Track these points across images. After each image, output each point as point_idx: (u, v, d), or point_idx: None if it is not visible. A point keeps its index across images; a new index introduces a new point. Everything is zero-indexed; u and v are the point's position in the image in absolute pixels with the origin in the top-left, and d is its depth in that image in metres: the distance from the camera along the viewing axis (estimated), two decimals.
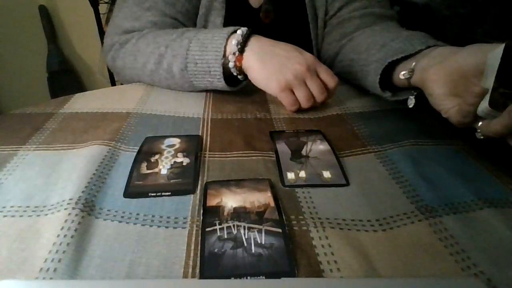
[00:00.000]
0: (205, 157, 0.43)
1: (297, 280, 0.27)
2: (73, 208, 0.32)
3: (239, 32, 0.52)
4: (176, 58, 0.53)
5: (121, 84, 0.67)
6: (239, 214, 0.33)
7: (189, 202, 0.35)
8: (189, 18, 0.64)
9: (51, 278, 0.26)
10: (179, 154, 0.42)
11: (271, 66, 0.50)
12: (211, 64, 0.51)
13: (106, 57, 0.64)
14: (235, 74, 0.53)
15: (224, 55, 0.51)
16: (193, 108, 0.55)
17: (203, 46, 0.52)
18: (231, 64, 0.52)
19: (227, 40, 0.52)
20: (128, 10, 0.60)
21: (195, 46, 0.52)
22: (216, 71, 0.52)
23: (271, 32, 0.56)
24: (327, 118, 0.53)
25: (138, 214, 0.33)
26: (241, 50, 0.51)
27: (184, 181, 0.38)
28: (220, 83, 0.54)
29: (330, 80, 0.52)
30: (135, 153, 0.42)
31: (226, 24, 0.65)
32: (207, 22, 0.65)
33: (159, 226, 0.32)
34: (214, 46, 0.51)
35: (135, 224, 0.32)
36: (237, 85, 0.56)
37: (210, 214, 0.33)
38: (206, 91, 0.60)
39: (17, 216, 0.33)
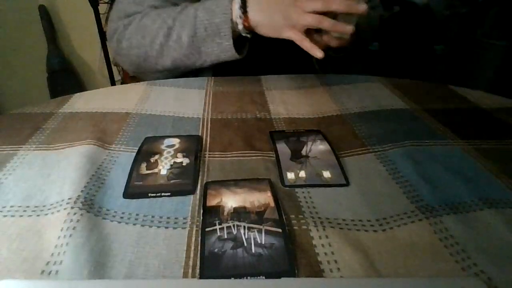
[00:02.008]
0: (205, 157, 0.42)
1: (297, 280, 0.27)
2: (72, 208, 0.32)
3: None
4: (184, 27, 0.56)
5: (122, 80, 0.67)
6: (239, 214, 0.33)
7: (189, 202, 0.35)
8: (190, 2, 0.65)
9: (51, 278, 0.26)
10: (179, 154, 0.42)
11: (276, 15, 0.53)
12: (220, 26, 0.54)
13: (110, 42, 0.64)
14: (244, 34, 0.56)
15: (231, 20, 0.54)
16: (193, 108, 0.55)
17: (210, 10, 0.55)
18: (240, 27, 0.54)
19: (231, 3, 0.54)
20: None
21: (202, 13, 0.55)
22: (226, 33, 0.55)
23: None
24: (327, 118, 0.53)
25: (138, 214, 0.33)
26: (244, 12, 0.53)
27: (184, 181, 0.38)
28: (228, 44, 0.56)
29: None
30: (134, 154, 0.42)
31: None
32: None
33: (159, 227, 0.32)
34: (221, 9, 0.54)
35: (134, 224, 0.32)
36: (241, 53, 0.59)
37: (210, 214, 0.33)
38: (206, 91, 0.60)
39: (17, 216, 0.33)
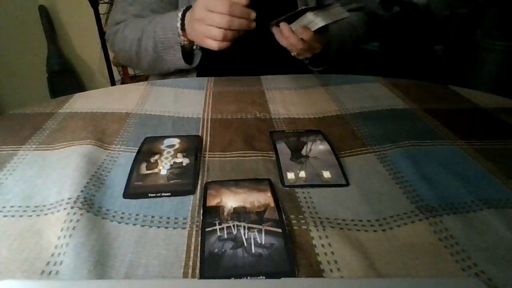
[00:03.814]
0: (205, 157, 0.42)
1: (297, 280, 0.27)
2: (72, 208, 0.32)
3: (179, 14, 0.63)
4: (149, 39, 0.67)
5: (122, 80, 0.68)
6: (239, 214, 0.33)
7: (189, 203, 0.35)
8: (163, 8, 0.73)
9: (51, 278, 0.26)
10: (179, 155, 0.42)
11: (193, 31, 0.59)
12: (172, 40, 0.65)
13: (107, 43, 0.79)
14: (192, 46, 0.65)
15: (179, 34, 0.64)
16: (192, 108, 0.55)
17: (164, 28, 0.65)
18: (181, 39, 0.63)
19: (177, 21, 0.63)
20: (120, 5, 0.74)
21: (159, 29, 0.65)
22: (175, 46, 0.65)
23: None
24: (327, 118, 0.53)
25: (137, 214, 0.33)
26: (183, 29, 0.62)
27: (184, 182, 0.38)
28: (179, 54, 0.65)
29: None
30: (134, 154, 0.42)
31: None
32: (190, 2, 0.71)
33: (159, 227, 0.32)
34: (171, 28, 0.64)
35: (134, 224, 0.32)
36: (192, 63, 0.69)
37: (210, 214, 0.33)
38: (206, 91, 0.60)
39: (17, 216, 0.33)
